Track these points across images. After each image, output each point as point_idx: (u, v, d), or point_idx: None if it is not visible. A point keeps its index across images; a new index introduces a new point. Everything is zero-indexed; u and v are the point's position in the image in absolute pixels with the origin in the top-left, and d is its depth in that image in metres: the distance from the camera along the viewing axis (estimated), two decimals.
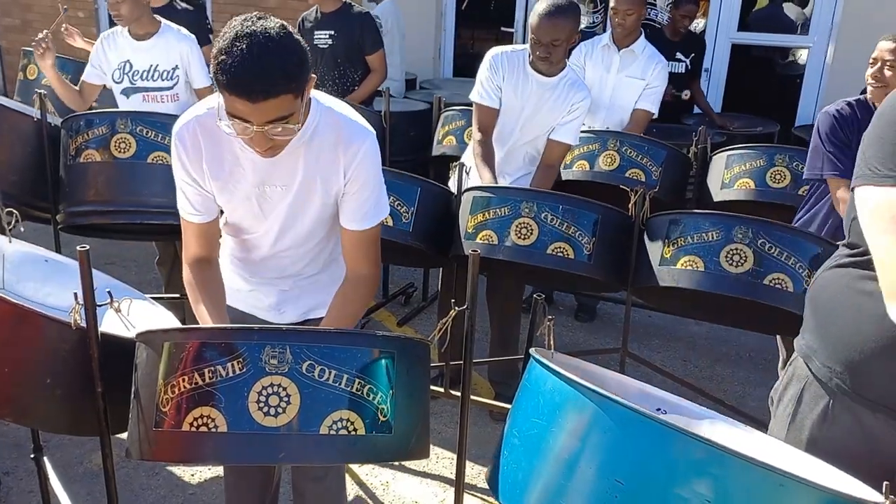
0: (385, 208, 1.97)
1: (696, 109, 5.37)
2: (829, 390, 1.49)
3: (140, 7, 3.49)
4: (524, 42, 3.53)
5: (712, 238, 2.70)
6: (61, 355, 1.79)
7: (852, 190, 1.43)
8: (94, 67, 3.64)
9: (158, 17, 3.64)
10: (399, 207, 2.98)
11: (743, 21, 6.03)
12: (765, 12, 6.70)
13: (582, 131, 3.42)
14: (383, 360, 1.57)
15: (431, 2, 6.63)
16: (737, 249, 2.65)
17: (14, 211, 2.27)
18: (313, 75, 1.71)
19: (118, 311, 1.82)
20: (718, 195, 3.74)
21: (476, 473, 2.99)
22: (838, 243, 1.61)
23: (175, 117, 1.96)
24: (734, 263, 2.65)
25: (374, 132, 1.89)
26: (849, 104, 2.76)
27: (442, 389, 2.99)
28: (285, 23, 1.67)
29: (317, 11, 4.58)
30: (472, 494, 2.91)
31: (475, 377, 3.57)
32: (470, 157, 3.29)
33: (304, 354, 1.49)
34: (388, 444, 1.58)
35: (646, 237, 2.90)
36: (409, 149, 4.48)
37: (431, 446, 1.82)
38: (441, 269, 3.63)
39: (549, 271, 2.99)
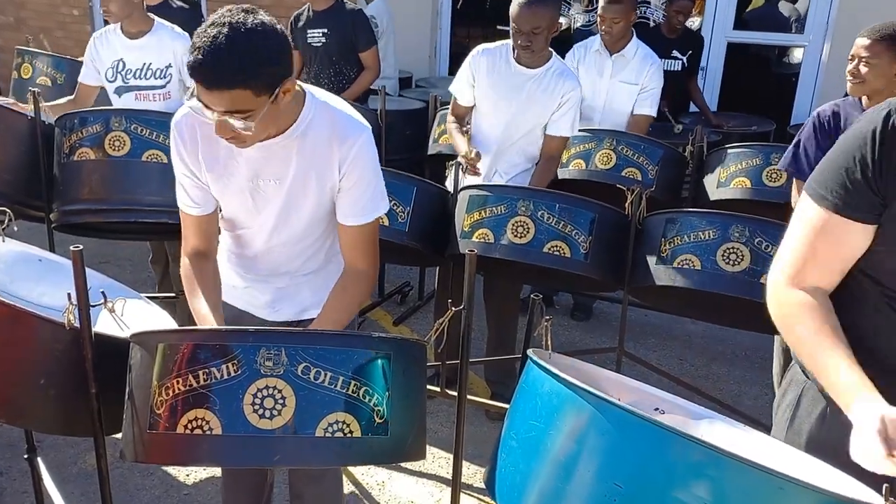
0: (383, 204, 1.95)
1: (693, 108, 5.37)
2: (826, 394, 1.48)
3: (131, 5, 3.45)
4: None
5: (709, 237, 2.70)
6: (55, 355, 1.79)
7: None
8: (89, 67, 3.60)
9: (152, 15, 3.60)
10: (395, 207, 2.97)
11: (739, 19, 6.03)
12: (760, 11, 6.70)
13: (578, 131, 3.41)
14: (379, 362, 1.56)
15: (427, 0, 6.61)
16: (733, 248, 2.65)
17: (7, 210, 2.26)
18: (293, 80, 1.69)
19: (112, 311, 1.81)
20: (715, 194, 3.74)
21: (472, 473, 2.99)
22: None
23: (170, 115, 1.95)
24: (731, 262, 2.65)
25: (370, 127, 1.88)
26: (836, 105, 2.79)
27: (438, 389, 2.98)
28: (275, 22, 1.65)
29: (309, 10, 4.55)
30: (469, 494, 2.90)
31: (471, 376, 3.56)
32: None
33: (299, 356, 1.48)
34: (385, 445, 1.57)
35: (642, 236, 2.89)
36: (405, 147, 4.47)
37: (428, 446, 1.81)
38: (438, 267, 3.62)
39: (545, 270, 2.98)
